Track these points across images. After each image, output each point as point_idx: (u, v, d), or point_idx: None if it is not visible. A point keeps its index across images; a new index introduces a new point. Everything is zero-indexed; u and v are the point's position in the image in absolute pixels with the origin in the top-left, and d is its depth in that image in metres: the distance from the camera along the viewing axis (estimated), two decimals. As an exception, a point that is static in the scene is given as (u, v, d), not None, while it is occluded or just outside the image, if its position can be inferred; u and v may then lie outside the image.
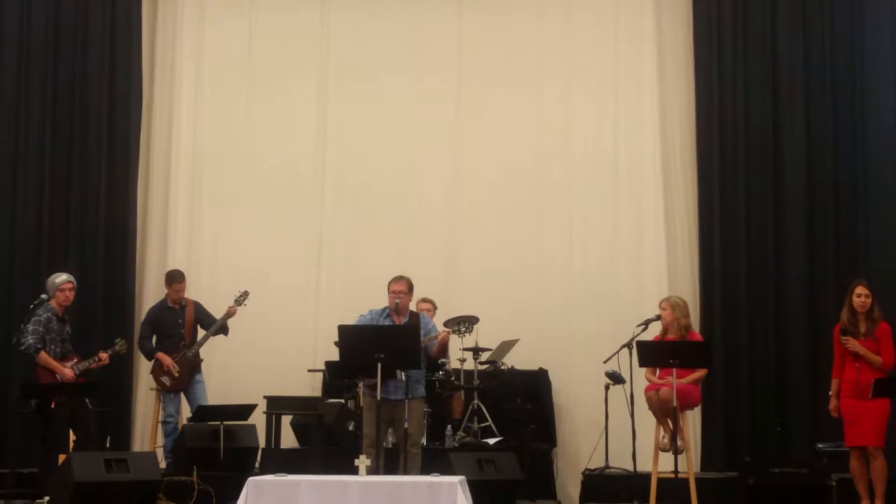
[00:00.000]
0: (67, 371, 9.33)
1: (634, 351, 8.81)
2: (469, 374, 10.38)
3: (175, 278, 10.31)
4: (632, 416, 8.87)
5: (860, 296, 8.54)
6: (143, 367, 10.81)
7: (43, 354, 9.23)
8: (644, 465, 8.93)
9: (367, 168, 11.57)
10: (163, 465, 9.66)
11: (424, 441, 9.39)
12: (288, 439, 10.36)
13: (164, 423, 10.21)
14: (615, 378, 9.49)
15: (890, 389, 8.22)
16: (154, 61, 11.71)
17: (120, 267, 11.18)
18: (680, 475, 8.64)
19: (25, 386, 9.22)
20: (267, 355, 11.09)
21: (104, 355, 9.65)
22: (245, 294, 10.19)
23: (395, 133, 11.57)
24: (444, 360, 10.04)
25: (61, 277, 9.60)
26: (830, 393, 8.62)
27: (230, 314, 10.16)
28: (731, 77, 11.07)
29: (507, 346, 10.55)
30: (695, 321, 10.28)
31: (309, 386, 11.03)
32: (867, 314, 8.50)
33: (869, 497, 8.46)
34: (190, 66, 11.71)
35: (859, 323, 8.50)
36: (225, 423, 9.44)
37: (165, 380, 10.10)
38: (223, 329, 10.24)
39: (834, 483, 8.45)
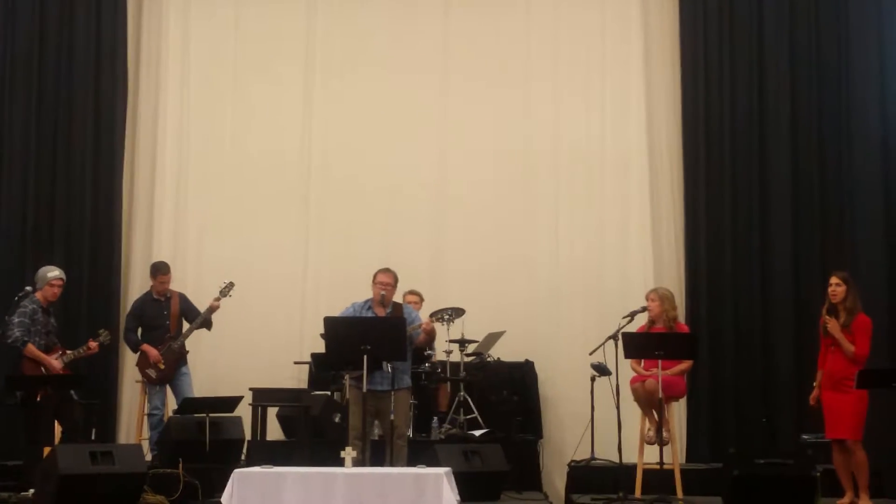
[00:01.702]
0: (55, 363, 9.30)
1: (620, 342, 8.83)
2: (455, 365, 10.39)
3: (160, 270, 10.29)
4: (617, 407, 8.91)
5: (831, 285, 8.58)
6: (129, 359, 10.79)
7: (31, 346, 9.19)
8: (629, 457, 8.97)
9: (354, 161, 11.55)
10: (148, 457, 9.64)
11: (410, 432, 9.41)
12: (274, 431, 10.37)
13: (149, 415, 10.18)
14: (601, 370, 9.52)
15: (873, 381, 8.24)
16: (139, 55, 11.67)
17: (105, 259, 11.15)
18: (665, 466, 8.67)
19: (11, 378, 9.18)
20: (253, 347, 11.08)
21: (94, 344, 9.62)
22: (230, 285, 10.16)
23: (382, 126, 11.55)
24: (430, 351, 10.05)
25: (53, 273, 9.55)
26: (815, 383, 8.65)
27: (213, 309, 10.11)
28: (717, 70, 11.10)
29: (493, 338, 10.56)
30: (680, 313, 10.29)
31: (295, 378, 11.02)
32: (844, 305, 8.51)
33: (853, 489, 8.50)
34: (175, 59, 11.66)
35: (839, 314, 8.52)
36: (211, 415, 9.42)
37: (151, 372, 10.08)
38: (206, 323, 10.21)
39: (819, 474, 8.47)
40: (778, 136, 10.94)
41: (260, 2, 11.76)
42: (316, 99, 11.67)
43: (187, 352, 10.24)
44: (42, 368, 9.25)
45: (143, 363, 10.14)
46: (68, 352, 9.46)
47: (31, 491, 8.49)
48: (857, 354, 8.38)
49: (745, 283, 10.84)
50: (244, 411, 9.85)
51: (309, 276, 11.48)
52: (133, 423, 10.76)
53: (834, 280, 8.58)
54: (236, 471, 7.16)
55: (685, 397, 9.83)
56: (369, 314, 8.74)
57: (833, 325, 8.44)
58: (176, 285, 10.47)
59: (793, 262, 10.77)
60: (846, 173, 10.79)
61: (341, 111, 11.61)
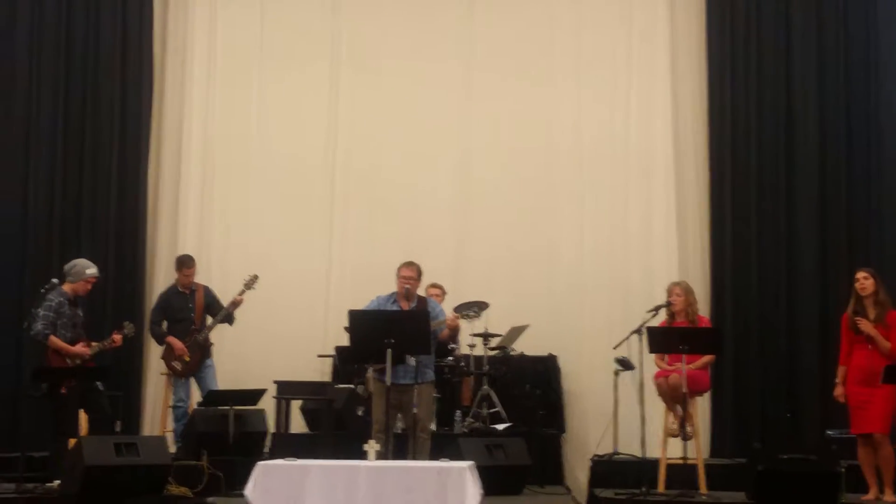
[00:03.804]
0: (82, 350, 9.26)
1: (644, 337, 8.80)
2: (479, 359, 10.39)
3: (185, 263, 10.32)
4: (641, 401, 8.88)
5: (858, 280, 8.56)
6: (154, 351, 10.83)
7: (53, 338, 9.17)
8: (653, 451, 8.95)
9: (378, 153, 11.57)
10: (173, 449, 9.67)
11: (434, 426, 9.41)
12: (297, 424, 10.39)
13: (174, 407, 10.23)
14: (625, 364, 9.50)
15: (901, 376, 8.21)
16: (165, 47, 11.71)
17: (131, 252, 11.20)
18: (689, 461, 8.66)
19: (37, 370, 9.21)
20: (277, 340, 11.10)
21: (118, 337, 9.58)
22: (255, 278, 10.18)
23: (406, 119, 11.57)
24: (453, 345, 10.05)
25: (91, 270, 9.43)
26: (837, 380, 8.62)
27: (237, 303, 10.12)
28: (743, 64, 11.05)
29: (516, 332, 10.55)
30: (705, 307, 10.33)
31: (319, 371, 11.04)
32: (874, 299, 8.48)
33: (878, 484, 8.46)
34: (201, 51, 11.70)
35: (867, 309, 8.49)
36: (235, 407, 9.46)
37: (176, 364, 10.12)
38: (228, 318, 10.22)
39: (843, 470, 8.44)
40: (805, 131, 10.88)
41: (285, -4, 11.81)
42: (341, 93, 11.68)
43: (212, 344, 10.28)
44: (67, 360, 9.27)
45: (168, 356, 10.19)
46: (93, 343, 9.47)
47: (57, 482, 8.54)
48: (894, 350, 8.35)
49: (770, 278, 10.79)
50: (268, 404, 9.87)
51: (333, 270, 11.50)
52: (157, 416, 10.82)
53: (861, 274, 8.57)
54: (260, 463, 7.16)
55: (709, 392, 9.80)
56: (394, 307, 8.74)
57: (865, 325, 8.41)
58: (201, 278, 10.51)
59: (819, 257, 10.72)
60: (874, 166, 10.74)
61: (366, 105, 11.63)
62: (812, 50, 10.95)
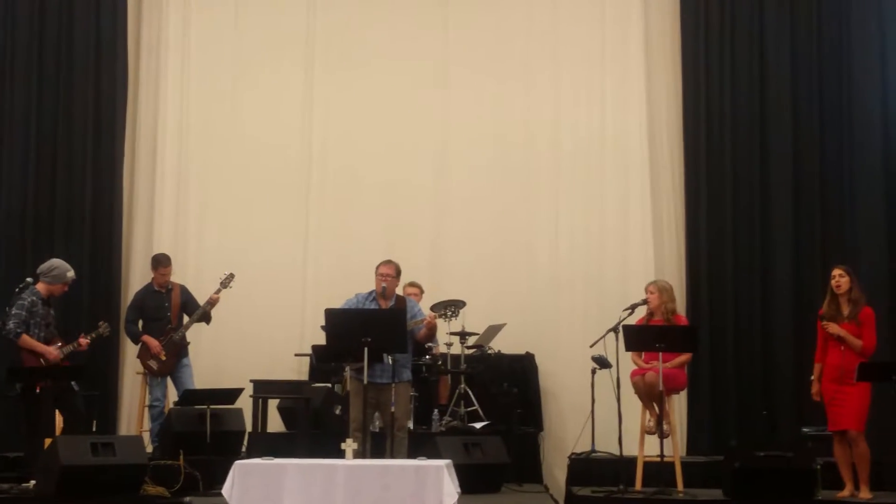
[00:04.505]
0: (52, 351, 9.23)
1: (621, 335, 8.83)
2: (456, 358, 10.39)
3: (161, 262, 10.29)
4: (618, 400, 8.90)
5: (834, 277, 8.58)
6: (130, 350, 10.79)
7: (24, 337, 9.10)
8: (630, 449, 8.96)
9: (355, 152, 11.55)
10: (149, 448, 9.64)
11: (411, 425, 9.41)
12: (275, 423, 10.36)
13: (150, 406, 10.19)
14: (601, 362, 9.50)
15: (874, 374, 8.25)
16: (140, 43, 11.67)
17: (106, 250, 11.16)
18: (666, 459, 8.66)
19: (11, 370, 9.15)
20: (254, 339, 11.09)
21: (84, 341, 9.50)
22: (231, 276, 10.16)
23: (383, 116, 11.55)
24: (431, 344, 10.05)
25: (71, 273, 9.42)
26: (812, 377, 8.66)
27: (213, 302, 10.09)
28: (717, 60, 11.08)
29: (493, 331, 10.56)
30: (681, 305, 10.33)
31: (296, 370, 11.02)
32: (848, 296, 8.52)
33: (853, 481, 8.50)
34: (176, 47, 11.66)
35: (841, 307, 8.53)
36: (212, 406, 9.43)
37: (152, 363, 10.08)
38: (205, 317, 10.19)
39: (819, 467, 8.48)
40: (779, 125, 10.92)
41: (260, -8, 11.77)
42: (316, 90, 11.66)
43: (188, 343, 10.24)
44: (41, 360, 9.22)
45: (144, 355, 10.15)
46: (64, 346, 9.42)
47: (33, 482, 8.49)
48: (865, 348, 8.39)
49: (745, 276, 10.83)
50: (245, 403, 9.84)
51: (309, 268, 11.48)
52: (134, 415, 10.77)
53: (837, 272, 8.59)
54: (237, 462, 7.15)
55: (685, 390, 9.83)
56: (373, 305, 8.74)
57: (833, 328, 8.44)
58: (176, 277, 10.47)
59: (793, 255, 10.76)
60: (846, 161, 10.78)
61: (341, 102, 11.61)
62: (785, 46, 10.98)
